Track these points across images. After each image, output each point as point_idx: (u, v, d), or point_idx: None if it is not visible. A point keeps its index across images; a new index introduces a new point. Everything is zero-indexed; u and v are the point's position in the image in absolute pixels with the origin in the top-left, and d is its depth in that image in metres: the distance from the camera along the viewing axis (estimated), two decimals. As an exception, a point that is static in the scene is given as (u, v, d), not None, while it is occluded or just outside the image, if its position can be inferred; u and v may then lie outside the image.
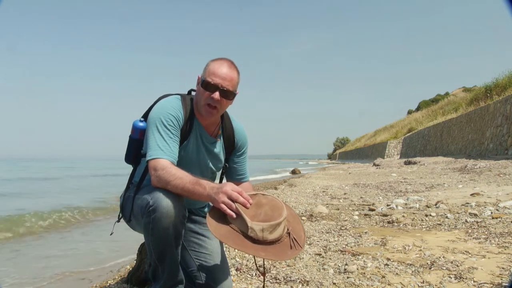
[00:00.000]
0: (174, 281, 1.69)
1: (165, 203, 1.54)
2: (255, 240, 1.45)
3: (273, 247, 1.47)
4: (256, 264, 1.77)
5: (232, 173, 2.02)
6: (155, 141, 1.67)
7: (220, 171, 2.03)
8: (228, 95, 1.75)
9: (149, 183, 1.70)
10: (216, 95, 1.71)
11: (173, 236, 1.60)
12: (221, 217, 1.51)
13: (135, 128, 1.86)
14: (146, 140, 1.73)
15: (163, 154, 1.64)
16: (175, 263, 1.68)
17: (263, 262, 1.82)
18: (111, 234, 1.98)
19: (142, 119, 1.87)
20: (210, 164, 1.92)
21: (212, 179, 1.98)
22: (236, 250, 2.87)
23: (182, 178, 1.57)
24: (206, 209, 2.08)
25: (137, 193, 1.78)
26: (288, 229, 1.54)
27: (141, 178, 1.83)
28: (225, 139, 1.94)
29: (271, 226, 1.46)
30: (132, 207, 1.78)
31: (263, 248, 1.45)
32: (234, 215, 1.46)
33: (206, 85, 1.72)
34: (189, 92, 1.89)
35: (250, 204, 1.49)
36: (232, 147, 1.98)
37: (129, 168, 2.01)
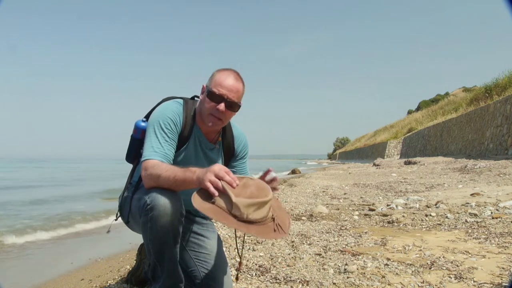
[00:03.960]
0: (174, 280, 1.69)
1: (163, 201, 1.54)
2: (238, 219, 1.43)
3: (256, 226, 1.45)
4: (236, 244, 1.73)
5: None
6: (151, 143, 1.68)
7: None
8: (233, 106, 1.75)
9: None
10: (222, 106, 1.71)
11: (171, 235, 1.60)
12: (208, 197, 1.49)
13: (137, 128, 1.88)
14: (144, 142, 1.74)
15: (155, 155, 1.65)
16: (174, 262, 1.68)
17: (242, 242, 1.76)
18: (107, 232, 1.98)
19: (144, 119, 1.88)
20: None
21: None
22: (236, 250, 2.87)
23: (173, 168, 1.58)
24: None
25: (135, 193, 1.78)
26: (272, 215, 1.52)
27: (140, 178, 1.83)
28: (225, 146, 1.94)
29: (255, 204, 1.44)
30: (130, 208, 1.78)
31: (246, 225, 1.43)
32: (216, 193, 1.45)
33: (212, 95, 1.72)
34: (193, 98, 1.90)
35: (237, 185, 1.48)
36: (232, 154, 1.98)
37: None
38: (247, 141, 2.04)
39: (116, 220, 1.95)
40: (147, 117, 1.87)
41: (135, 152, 1.93)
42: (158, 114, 1.75)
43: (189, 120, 1.80)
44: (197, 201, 1.47)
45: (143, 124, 1.86)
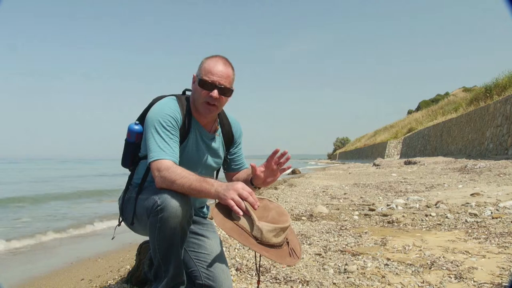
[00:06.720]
0: (177, 281, 1.69)
1: (174, 203, 1.55)
2: (258, 240, 1.48)
3: (275, 250, 1.51)
4: (256, 264, 1.78)
5: (231, 164, 2.05)
6: (156, 142, 1.66)
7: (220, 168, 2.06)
8: (226, 92, 1.77)
9: (151, 184, 1.69)
10: (215, 93, 1.73)
11: (179, 236, 1.61)
12: (227, 213, 1.53)
13: (130, 132, 1.87)
14: (146, 143, 1.72)
15: (165, 155, 1.64)
16: (179, 263, 1.68)
17: (258, 262, 1.81)
18: (112, 238, 1.97)
19: (137, 122, 1.87)
20: (211, 161, 1.93)
21: (212, 176, 1.99)
22: (236, 250, 2.87)
23: (188, 177, 1.58)
24: (204, 209, 2.09)
25: (140, 194, 1.77)
26: (287, 239, 1.60)
27: (143, 179, 1.83)
28: (225, 135, 1.97)
29: (276, 229, 1.50)
30: (135, 209, 1.77)
31: (266, 249, 1.49)
32: (241, 213, 1.48)
33: (203, 83, 1.73)
34: (184, 92, 1.90)
35: (258, 206, 1.52)
36: (231, 141, 2.01)
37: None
38: (241, 127, 2.08)
39: (119, 225, 1.94)
40: (140, 119, 1.86)
41: (131, 156, 1.92)
42: (156, 112, 1.73)
43: (186, 114, 1.80)
44: (218, 218, 1.51)
45: (136, 127, 1.86)
